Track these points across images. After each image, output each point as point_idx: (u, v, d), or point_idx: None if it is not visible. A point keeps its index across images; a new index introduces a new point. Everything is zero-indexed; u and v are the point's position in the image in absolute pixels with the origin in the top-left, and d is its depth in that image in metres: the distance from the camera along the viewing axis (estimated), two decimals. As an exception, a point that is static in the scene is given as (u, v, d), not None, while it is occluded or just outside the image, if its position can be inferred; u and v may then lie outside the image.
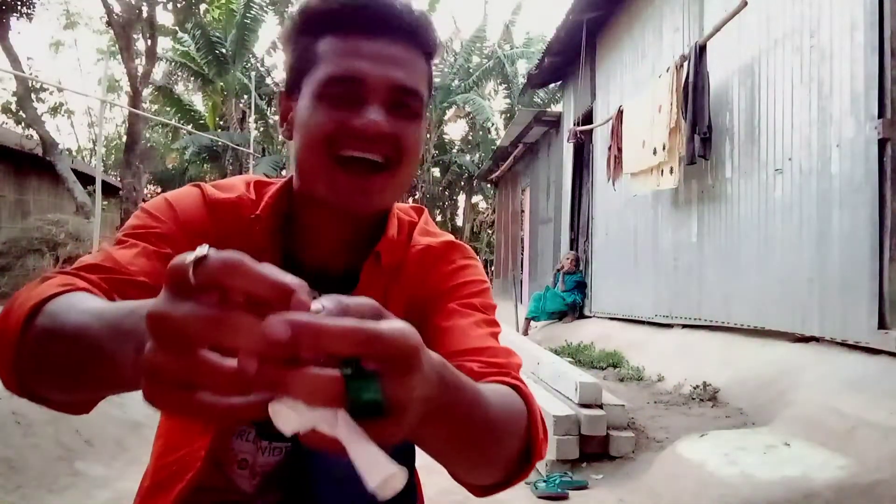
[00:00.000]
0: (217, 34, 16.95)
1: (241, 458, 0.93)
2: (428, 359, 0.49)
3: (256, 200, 0.94)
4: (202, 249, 0.43)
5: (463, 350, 0.83)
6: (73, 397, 0.67)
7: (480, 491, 0.76)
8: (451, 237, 1.03)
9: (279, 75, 17.66)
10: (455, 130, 23.66)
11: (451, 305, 0.91)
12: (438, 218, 23.73)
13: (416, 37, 0.87)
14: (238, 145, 16.00)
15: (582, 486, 2.99)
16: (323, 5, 0.86)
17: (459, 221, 23.65)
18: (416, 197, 21.70)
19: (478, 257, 1.03)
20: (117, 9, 11.59)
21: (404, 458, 0.86)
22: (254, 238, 0.92)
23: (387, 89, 0.83)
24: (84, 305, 0.63)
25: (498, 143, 15.73)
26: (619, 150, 6.37)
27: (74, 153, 21.10)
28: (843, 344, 3.54)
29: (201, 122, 18.75)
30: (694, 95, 4.89)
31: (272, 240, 0.92)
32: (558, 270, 8.53)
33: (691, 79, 4.94)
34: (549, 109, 13.70)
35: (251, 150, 14.95)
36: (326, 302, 0.44)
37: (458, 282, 0.95)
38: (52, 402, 0.67)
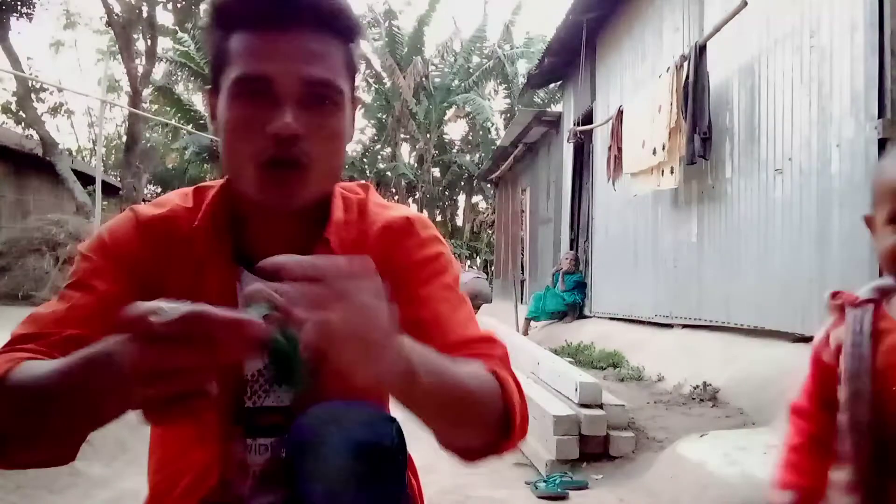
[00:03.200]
0: (217, 34, 16.95)
1: (237, 460, 0.93)
2: (392, 351, 0.62)
3: (194, 209, 0.94)
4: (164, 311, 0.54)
5: (451, 343, 0.87)
6: (50, 450, 0.72)
7: (467, 455, 0.83)
8: (407, 209, 1.03)
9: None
10: (455, 130, 23.69)
11: (428, 290, 0.93)
12: (438, 218, 23.73)
13: (331, 24, 0.86)
14: (238, 145, 16.01)
15: (582, 486, 2.99)
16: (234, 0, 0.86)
17: (459, 221, 23.66)
18: (417, 197, 21.70)
19: (434, 225, 1.05)
20: (117, 9, 11.60)
21: (399, 463, 0.86)
22: (196, 248, 0.92)
23: (298, 86, 0.82)
24: (41, 366, 0.71)
25: (498, 143, 15.73)
26: (619, 150, 6.37)
27: (74, 153, 21.11)
28: (843, 344, 3.53)
29: (201, 122, 18.73)
30: (694, 95, 4.89)
31: (217, 246, 0.92)
32: (557, 271, 8.53)
33: (691, 79, 4.94)
34: (549, 109, 13.70)
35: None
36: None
37: (427, 254, 0.97)
38: (34, 462, 0.73)
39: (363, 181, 1.08)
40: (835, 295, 1.06)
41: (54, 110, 19.69)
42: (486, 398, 0.79)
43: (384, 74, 20.37)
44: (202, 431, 0.91)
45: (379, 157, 22.45)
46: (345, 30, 0.88)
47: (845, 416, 0.98)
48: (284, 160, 0.83)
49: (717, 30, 4.74)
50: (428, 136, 20.80)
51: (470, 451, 0.83)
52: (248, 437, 0.93)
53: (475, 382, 0.78)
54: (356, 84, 0.93)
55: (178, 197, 0.98)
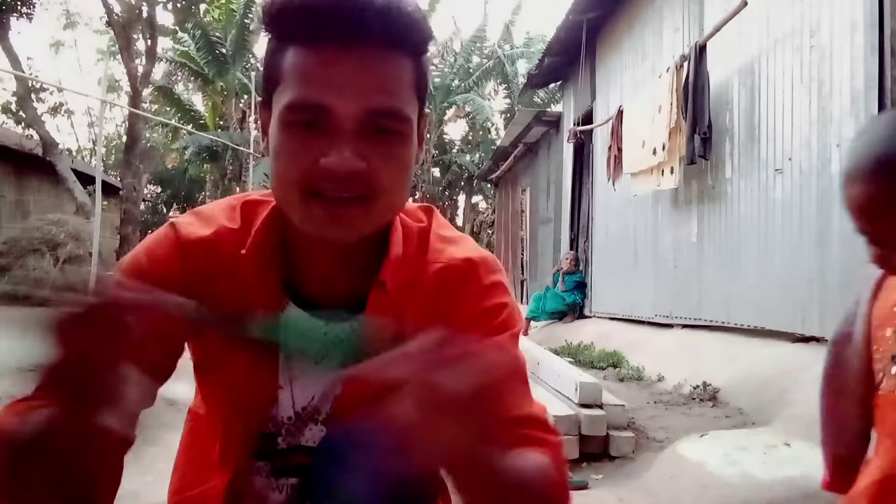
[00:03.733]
0: (217, 34, 16.96)
1: (256, 496, 0.91)
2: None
3: (241, 230, 0.86)
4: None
5: (502, 419, 0.79)
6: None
7: None
8: (470, 246, 0.92)
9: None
10: (455, 130, 23.67)
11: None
12: (438, 218, 23.73)
13: (401, 38, 0.74)
14: (238, 145, 16.00)
15: (582, 486, 2.99)
16: (286, 4, 0.74)
17: (459, 221, 23.65)
18: (416, 197, 21.71)
19: (501, 266, 0.94)
20: (117, 9, 11.59)
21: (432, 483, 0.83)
22: (242, 274, 0.84)
23: (360, 117, 0.72)
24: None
25: (498, 143, 15.73)
26: (619, 150, 6.37)
27: (74, 153, 21.10)
28: (843, 344, 3.53)
29: (201, 122, 18.75)
30: (694, 95, 4.89)
31: (265, 274, 0.85)
32: (557, 271, 8.53)
33: (691, 79, 4.93)
34: (549, 109, 13.70)
35: (251, 150, 14.96)
36: None
37: (487, 306, 0.87)
38: None
39: (428, 205, 0.97)
40: None
41: (54, 110, 19.68)
42: (541, 496, 0.73)
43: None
44: (224, 461, 0.89)
45: (379, 157, 22.45)
46: (417, 43, 0.77)
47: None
48: (340, 197, 0.74)
49: (717, 30, 4.74)
50: (428, 136, 20.79)
51: None
52: (274, 476, 0.90)
53: (538, 487, 0.72)
54: (426, 99, 0.83)
55: (225, 214, 0.88)
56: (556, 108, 15.10)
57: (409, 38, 0.76)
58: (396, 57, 0.75)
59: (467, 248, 0.91)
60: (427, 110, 0.84)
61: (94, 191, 8.85)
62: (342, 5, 0.72)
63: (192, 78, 18.32)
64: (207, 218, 0.88)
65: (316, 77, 0.73)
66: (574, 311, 8.20)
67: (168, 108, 19.42)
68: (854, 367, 1.03)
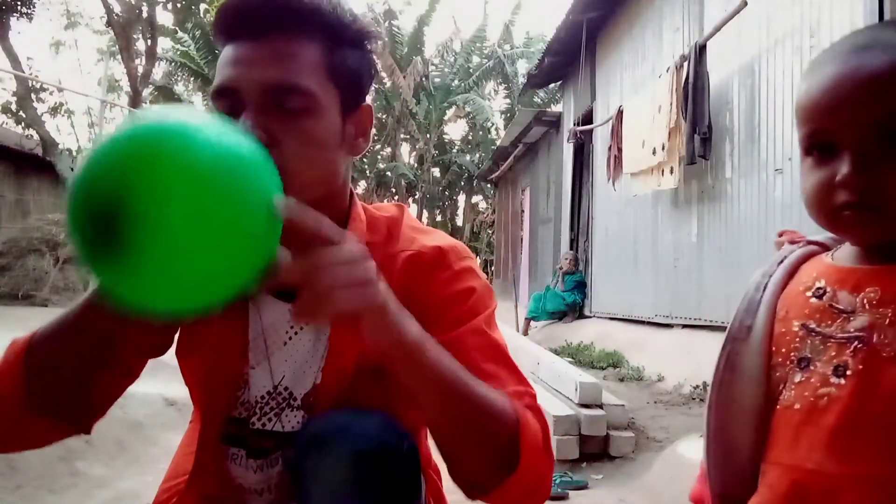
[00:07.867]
0: (217, 34, 16.94)
1: (237, 483, 0.92)
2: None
3: None
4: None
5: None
6: (81, 390, 0.82)
7: (473, 488, 0.80)
8: (442, 237, 0.96)
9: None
10: (455, 130, 23.66)
11: (457, 335, 0.85)
12: (438, 218, 23.73)
13: (299, 23, 0.82)
14: (238, 145, 16.01)
15: (582, 486, 2.99)
16: (217, 14, 0.86)
17: (459, 221, 23.64)
18: (417, 197, 21.70)
19: (472, 254, 0.97)
20: (117, 9, 11.60)
21: (409, 474, 0.84)
22: None
23: (258, 92, 0.79)
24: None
25: (498, 143, 15.73)
26: (619, 150, 6.36)
27: (74, 153, 21.09)
28: (843, 344, 3.53)
29: (201, 122, 18.73)
30: (694, 95, 4.89)
31: None
32: (559, 270, 8.54)
33: (691, 79, 4.93)
34: (549, 109, 13.70)
35: (251, 150, 14.99)
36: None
37: (458, 290, 0.90)
38: (59, 414, 0.82)
39: (399, 202, 1.01)
40: (782, 234, 0.90)
41: (54, 110, 19.64)
42: (496, 414, 0.77)
43: (384, 74, 20.37)
44: (204, 447, 0.92)
45: (379, 157, 22.44)
46: (322, 27, 0.84)
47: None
48: None
49: (717, 30, 4.74)
50: (428, 136, 20.79)
51: (476, 483, 0.79)
52: (253, 458, 0.92)
53: (487, 394, 0.77)
54: (360, 89, 0.88)
55: None
56: (556, 108, 15.10)
57: (312, 24, 0.83)
58: (299, 41, 0.82)
59: (437, 237, 0.95)
60: (365, 103, 0.89)
61: (94, 191, 8.86)
62: (249, 4, 0.82)
63: (192, 78, 18.31)
64: None
65: (228, 63, 0.82)
66: (574, 311, 8.20)
67: (168, 108, 19.39)
68: (752, 372, 0.78)
